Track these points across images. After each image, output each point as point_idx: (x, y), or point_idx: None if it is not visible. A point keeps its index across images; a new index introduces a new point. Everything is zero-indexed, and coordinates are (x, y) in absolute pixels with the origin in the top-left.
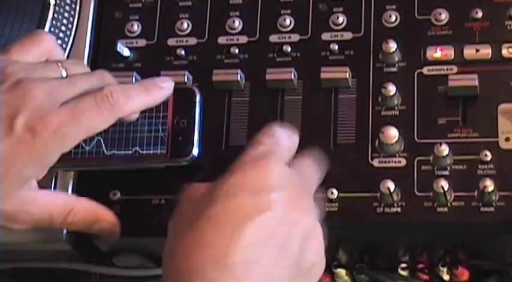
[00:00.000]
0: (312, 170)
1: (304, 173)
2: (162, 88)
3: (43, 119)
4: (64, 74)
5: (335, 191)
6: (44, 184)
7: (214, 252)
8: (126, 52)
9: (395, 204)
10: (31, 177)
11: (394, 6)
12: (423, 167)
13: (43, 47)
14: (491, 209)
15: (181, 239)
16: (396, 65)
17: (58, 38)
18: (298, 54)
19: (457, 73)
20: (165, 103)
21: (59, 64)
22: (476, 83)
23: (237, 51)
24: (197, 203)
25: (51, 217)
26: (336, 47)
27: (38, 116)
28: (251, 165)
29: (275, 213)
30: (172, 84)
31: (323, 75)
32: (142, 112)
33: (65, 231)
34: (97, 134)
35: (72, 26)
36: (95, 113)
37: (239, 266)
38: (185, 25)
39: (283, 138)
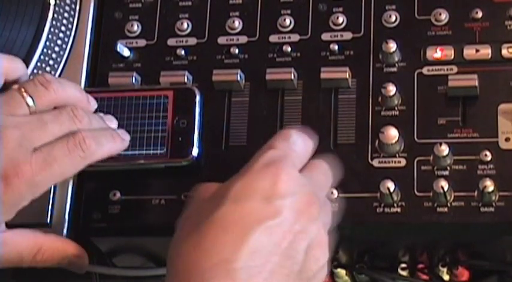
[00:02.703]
0: (325, 175)
1: (315, 178)
2: (123, 140)
3: (16, 168)
4: (30, 103)
5: (335, 191)
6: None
7: (219, 255)
8: (126, 52)
9: (395, 204)
10: (1, 222)
11: (394, 6)
12: (423, 167)
13: (9, 78)
14: (491, 209)
15: (187, 239)
16: (396, 65)
17: (58, 38)
18: (298, 54)
19: (457, 73)
20: (165, 103)
21: (22, 90)
22: (476, 83)
23: (237, 51)
24: (206, 203)
25: (21, 257)
26: (336, 47)
27: (11, 165)
28: (263, 170)
29: (283, 220)
30: (128, 139)
31: (323, 75)
32: (143, 112)
33: (65, 231)
34: None
35: (72, 26)
36: (67, 160)
37: (243, 271)
38: (185, 25)
39: (297, 144)
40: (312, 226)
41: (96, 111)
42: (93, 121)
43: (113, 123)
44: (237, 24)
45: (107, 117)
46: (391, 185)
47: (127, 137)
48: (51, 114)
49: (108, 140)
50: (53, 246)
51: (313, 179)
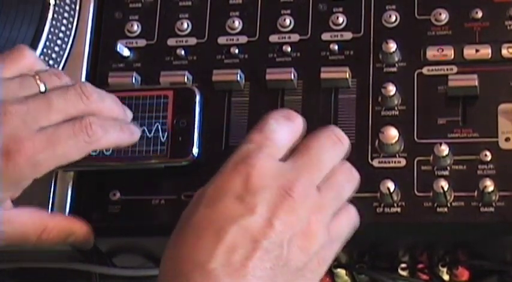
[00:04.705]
0: (317, 155)
1: (305, 161)
2: (132, 133)
3: (18, 144)
4: (43, 89)
5: None
6: (44, 185)
7: (196, 259)
8: (126, 52)
9: (395, 204)
10: (5, 199)
11: (394, 6)
12: (423, 167)
13: (23, 63)
14: (491, 209)
15: (169, 247)
16: (396, 65)
17: (58, 38)
18: (298, 54)
19: (457, 73)
20: (165, 103)
21: (37, 77)
22: (476, 83)
23: (237, 51)
24: (188, 208)
25: (26, 236)
26: (336, 47)
27: (13, 141)
28: (234, 169)
29: (257, 216)
30: (138, 135)
31: (323, 75)
32: (143, 112)
33: None
34: None
35: (72, 26)
36: (72, 142)
37: (221, 270)
38: (185, 25)
39: (277, 131)
40: (291, 217)
41: None
42: (106, 99)
43: (127, 111)
44: (237, 24)
45: (125, 107)
46: (391, 185)
47: (137, 132)
48: (58, 91)
49: (116, 129)
50: (58, 225)
51: (301, 162)
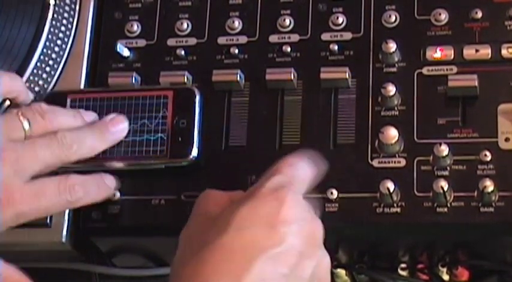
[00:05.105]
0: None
1: (295, 175)
2: (108, 188)
3: (9, 196)
4: (26, 127)
5: (335, 192)
6: None
7: (224, 281)
8: (126, 52)
9: (395, 205)
10: None
11: (393, 6)
12: (423, 167)
13: (5, 90)
14: (491, 209)
15: (190, 261)
16: (396, 65)
17: (58, 38)
18: (298, 54)
19: (456, 73)
20: (165, 103)
21: (20, 115)
22: (476, 83)
23: (237, 51)
24: (210, 223)
25: None
26: (336, 47)
27: (5, 190)
28: (268, 196)
29: (288, 247)
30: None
31: (323, 76)
32: (143, 112)
33: (64, 232)
34: None
35: (72, 26)
36: (55, 199)
37: None
38: (185, 25)
39: (303, 169)
40: (317, 251)
41: (95, 112)
42: (86, 141)
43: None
44: (237, 24)
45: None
46: (391, 185)
47: (111, 186)
48: (43, 141)
49: (94, 188)
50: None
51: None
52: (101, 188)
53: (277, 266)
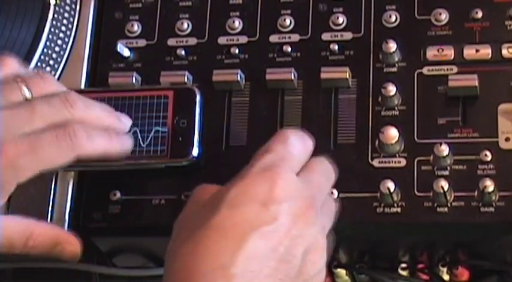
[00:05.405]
0: (325, 175)
1: (315, 180)
2: (122, 144)
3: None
4: (27, 94)
5: (335, 191)
6: (45, 185)
7: (216, 260)
8: (126, 52)
9: (395, 204)
10: None
11: (394, 6)
12: (423, 167)
13: (5, 71)
14: (491, 209)
15: (184, 243)
16: (396, 65)
17: (58, 38)
18: (298, 54)
19: (457, 73)
20: (165, 103)
21: (20, 83)
22: (476, 83)
23: (237, 51)
24: (203, 208)
25: (12, 242)
26: (336, 47)
27: None
28: (260, 175)
29: (279, 225)
30: (129, 147)
31: (323, 75)
32: (143, 112)
33: None
34: None
35: (72, 26)
36: (54, 148)
37: (240, 276)
38: (185, 25)
39: (295, 145)
40: (309, 230)
41: None
42: (93, 108)
43: (123, 118)
44: (237, 24)
45: (121, 115)
46: (391, 185)
47: (128, 143)
48: (42, 98)
49: (104, 137)
50: (44, 231)
51: (312, 180)
52: (113, 139)
53: (269, 243)
